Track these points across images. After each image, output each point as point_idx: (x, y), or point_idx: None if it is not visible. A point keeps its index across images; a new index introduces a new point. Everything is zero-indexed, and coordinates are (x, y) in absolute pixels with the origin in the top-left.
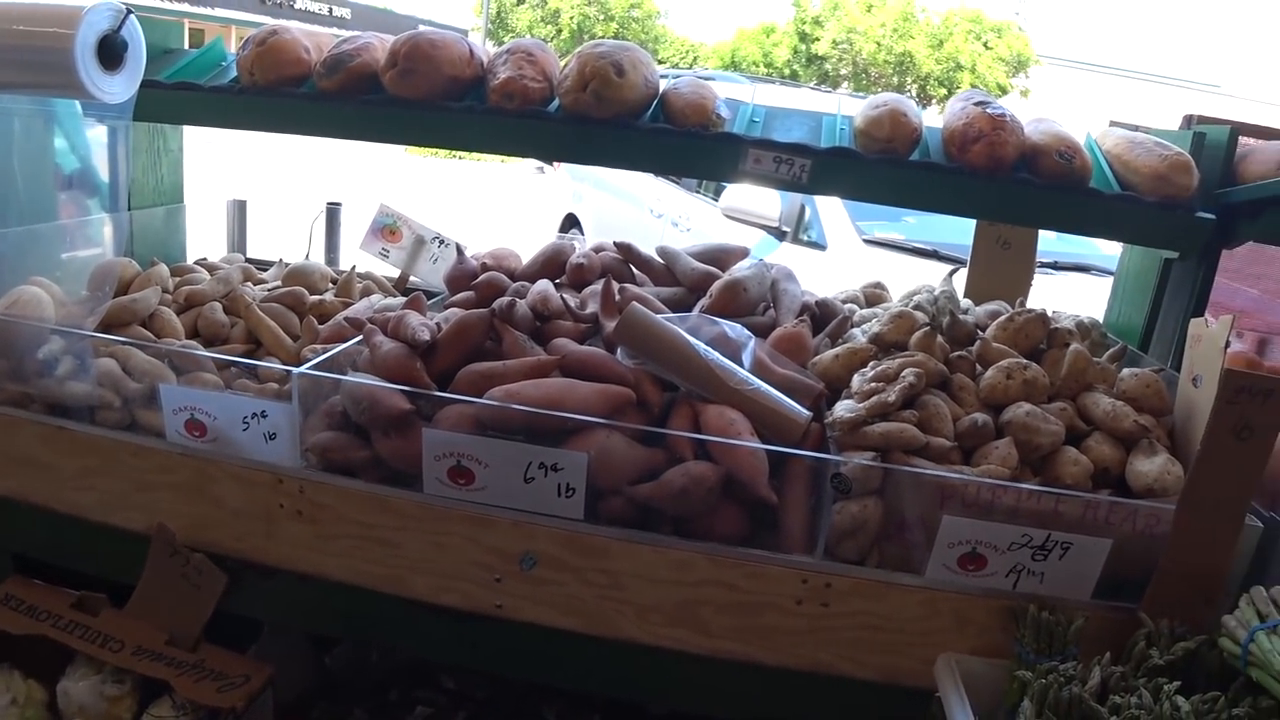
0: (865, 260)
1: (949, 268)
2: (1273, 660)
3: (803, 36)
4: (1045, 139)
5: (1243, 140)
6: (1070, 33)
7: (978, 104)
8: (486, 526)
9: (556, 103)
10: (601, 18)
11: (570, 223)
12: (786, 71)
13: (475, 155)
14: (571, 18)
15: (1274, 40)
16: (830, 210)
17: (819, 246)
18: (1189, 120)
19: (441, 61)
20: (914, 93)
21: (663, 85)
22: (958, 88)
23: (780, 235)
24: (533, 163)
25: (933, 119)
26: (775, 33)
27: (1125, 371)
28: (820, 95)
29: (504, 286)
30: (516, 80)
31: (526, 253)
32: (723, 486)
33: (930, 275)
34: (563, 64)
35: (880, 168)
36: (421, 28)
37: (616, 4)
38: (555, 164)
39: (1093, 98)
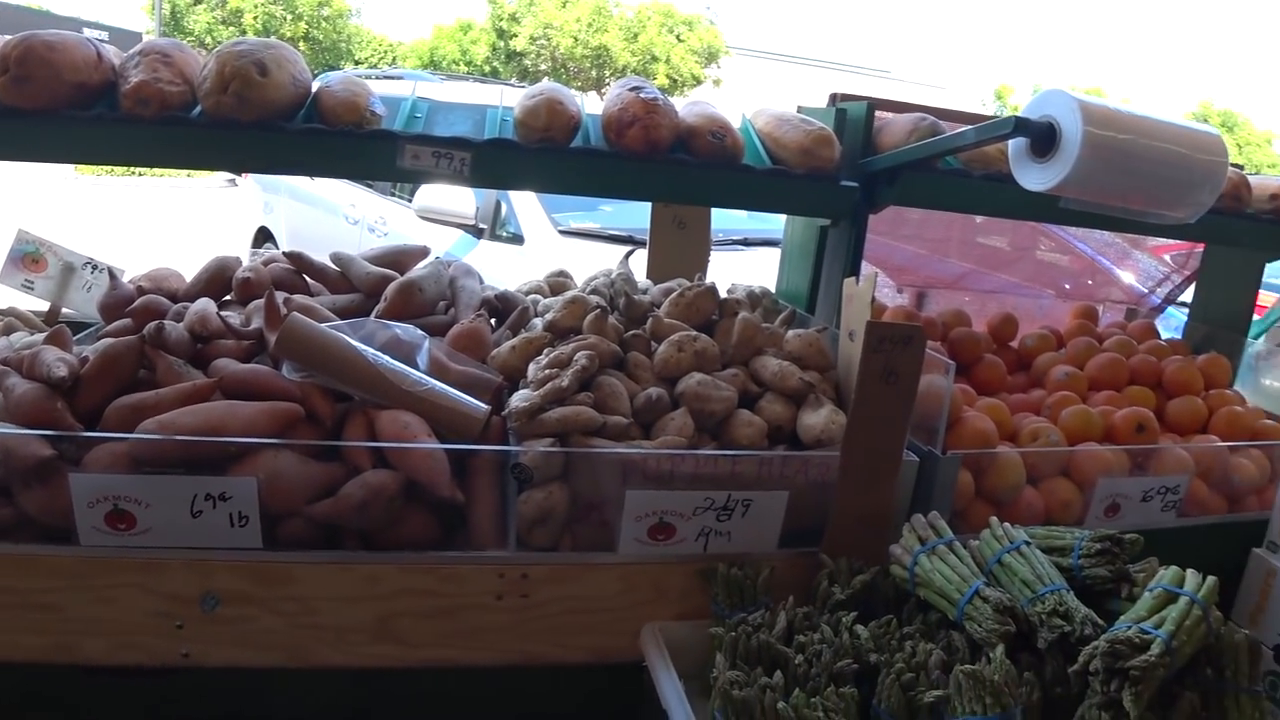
0: (563, 251)
1: (626, 249)
2: (933, 579)
3: (500, 33)
4: (699, 120)
5: (880, 114)
6: (758, 25)
7: (632, 89)
8: (158, 572)
9: (199, 107)
10: (289, 17)
11: (264, 236)
12: (487, 69)
13: (157, 171)
14: (255, 18)
15: (935, 30)
16: (525, 204)
17: (517, 240)
18: (834, 98)
19: (61, 66)
20: (612, 84)
21: (315, 85)
22: (654, 79)
23: (478, 233)
24: (223, 175)
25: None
26: (473, 30)
27: (790, 333)
28: (495, 87)
29: (164, 310)
30: (151, 84)
31: None
32: (406, 492)
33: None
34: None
35: (540, 156)
36: (87, 31)
37: (305, 2)
38: (244, 174)
39: (780, 85)
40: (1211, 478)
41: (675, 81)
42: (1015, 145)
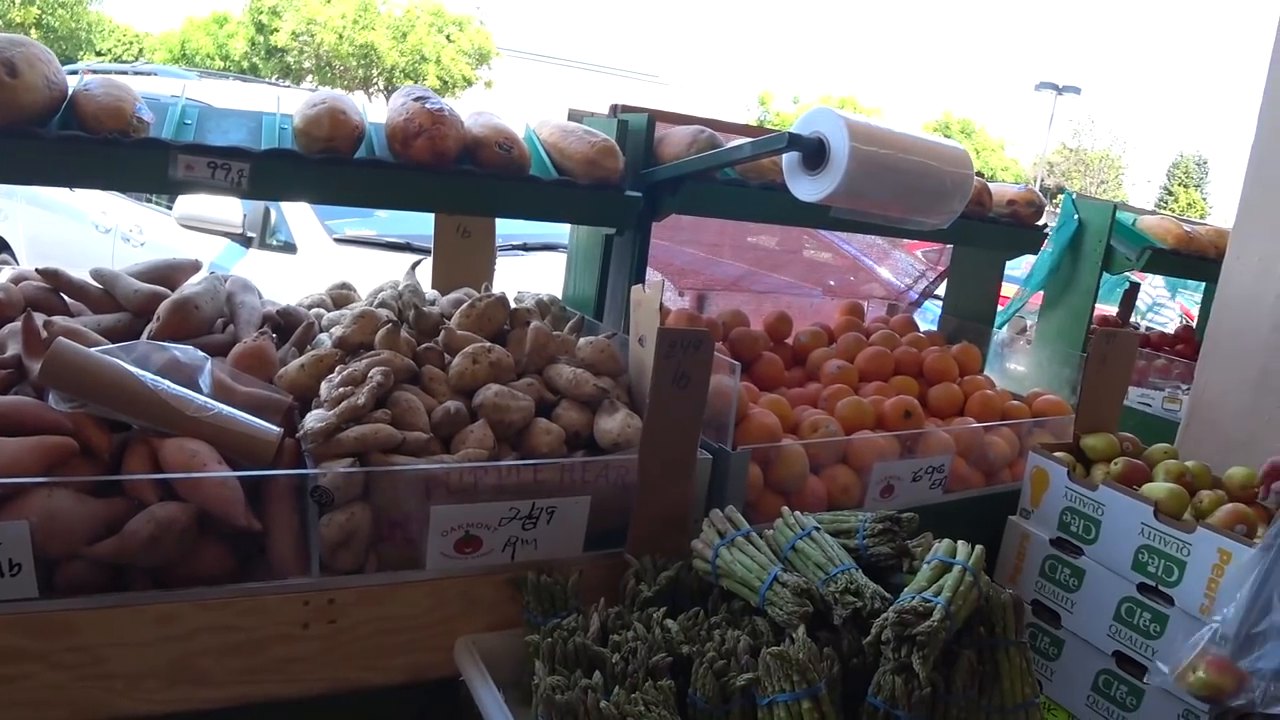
0: (339, 259)
1: (413, 259)
2: (734, 569)
3: (260, 27)
4: (485, 131)
5: (661, 125)
6: (528, 27)
7: (417, 99)
8: None
9: None
10: (18, 1)
11: None
12: (245, 65)
13: None
14: None
15: (703, 36)
16: (297, 211)
17: (289, 249)
18: (615, 109)
19: None
20: (381, 84)
21: (72, 85)
22: (424, 80)
23: (246, 242)
24: None
25: (379, 114)
26: (230, 23)
27: (582, 341)
28: (270, 90)
29: None
30: None
31: None
32: (198, 524)
33: (405, 269)
34: None
35: (324, 167)
36: None
37: None
38: None
39: (551, 88)
40: (970, 455)
41: (446, 83)
42: (789, 159)
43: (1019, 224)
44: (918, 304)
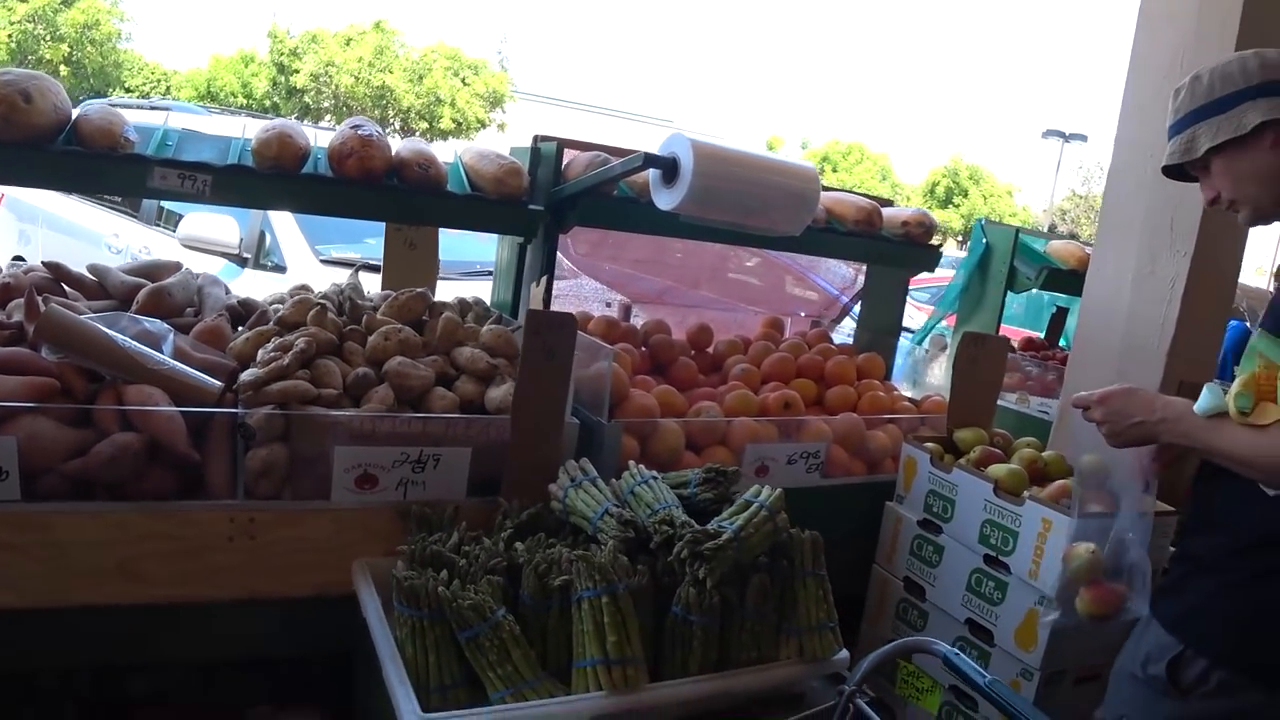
0: (325, 279)
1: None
2: (578, 505)
3: (281, 68)
4: (409, 154)
5: (570, 151)
6: (544, 71)
7: (353, 128)
8: None
9: None
10: (49, 37)
11: None
12: (268, 103)
13: None
14: (10, 35)
15: (717, 82)
16: (288, 235)
17: (280, 269)
18: (537, 139)
19: None
20: (397, 125)
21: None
22: (439, 121)
23: (241, 261)
24: None
25: None
26: (254, 63)
27: (485, 328)
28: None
29: None
30: None
31: None
32: (149, 451)
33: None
34: None
35: (273, 180)
36: None
37: (67, 22)
38: None
39: (564, 131)
40: (850, 445)
41: (460, 125)
42: (653, 175)
43: (913, 243)
44: (847, 309)
